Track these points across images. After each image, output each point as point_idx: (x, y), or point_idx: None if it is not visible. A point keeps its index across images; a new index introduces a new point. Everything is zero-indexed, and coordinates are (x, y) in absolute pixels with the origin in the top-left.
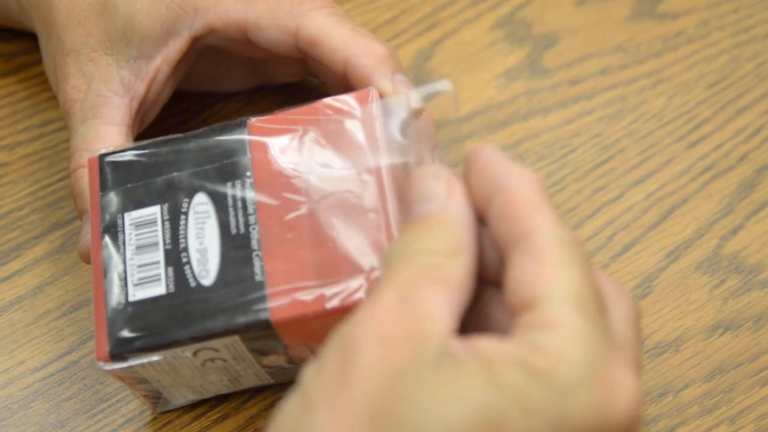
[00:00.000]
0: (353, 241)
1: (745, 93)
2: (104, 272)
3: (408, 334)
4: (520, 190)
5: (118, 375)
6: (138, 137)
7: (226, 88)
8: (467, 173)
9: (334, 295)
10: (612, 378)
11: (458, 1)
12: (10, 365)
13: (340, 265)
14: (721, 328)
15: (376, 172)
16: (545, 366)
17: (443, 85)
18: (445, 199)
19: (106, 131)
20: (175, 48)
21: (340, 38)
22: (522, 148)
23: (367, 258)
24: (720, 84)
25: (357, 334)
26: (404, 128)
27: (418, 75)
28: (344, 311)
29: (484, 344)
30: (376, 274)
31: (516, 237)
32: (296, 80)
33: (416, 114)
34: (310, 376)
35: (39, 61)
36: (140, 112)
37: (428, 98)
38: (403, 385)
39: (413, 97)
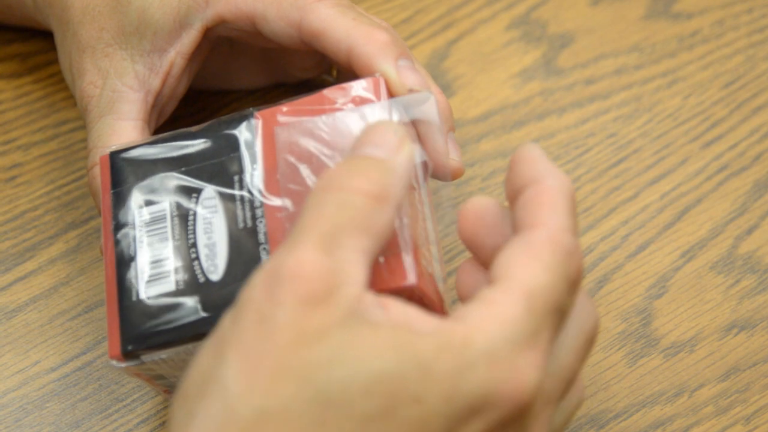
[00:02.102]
0: None
1: (760, 93)
2: (116, 270)
3: (325, 292)
4: (552, 189)
5: (134, 372)
6: (155, 133)
7: (241, 85)
8: (513, 160)
9: None
10: (516, 366)
11: (473, 0)
12: (25, 365)
13: None
14: (736, 328)
15: None
16: (460, 334)
17: (424, 96)
18: (393, 150)
19: (122, 127)
20: (188, 40)
21: (341, 28)
22: None
23: None
24: (735, 84)
25: (279, 288)
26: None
27: (434, 75)
28: None
29: (398, 310)
30: (393, 261)
31: (525, 226)
32: (312, 77)
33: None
34: (227, 323)
35: (54, 61)
36: (156, 107)
37: (410, 107)
38: (314, 344)
39: (394, 107)
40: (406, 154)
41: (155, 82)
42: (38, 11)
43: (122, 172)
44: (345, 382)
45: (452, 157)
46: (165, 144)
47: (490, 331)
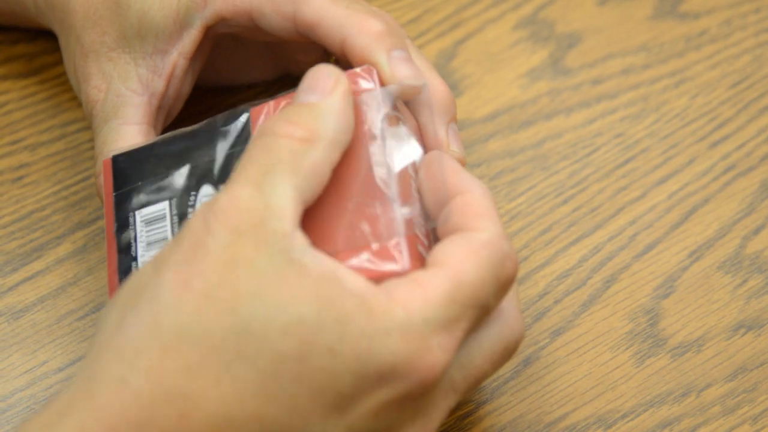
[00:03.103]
0: (356, 224)
1: (767, 92)
2: (117, 271)
3: (256, 227)
4: (484, 199)
5: None
6: (162, 134)
7: (248, 79)
8: (428, 165)
9: (354, 266)
10: (428, 345)
11: (481, 0)
12: (32, 365)
13: (354, 238)
14: (744, 328)
15: (378, 152)
16: (383, 302)
17: (416, 86)
18: (326, 92)
19: (127, 131)
20: (189, 40)
21: (335, 18)
22: (545, 147)
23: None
24: (742, 83)
25: (214, 219)
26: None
27: (441, 75)
28: None
29: (329, 259)
30: (375, 247)
31: (465, 228)
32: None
33: (392, 120)
34: (168, 247)
35: (60, 62)
36: (162, 109)
37: (403, 94)
38: (243, 276)
39: (387, 96)
40: (339, 94)
41: (159, 85)
42: (41, 15)
43: (123, 174)
44: (266, 319)
45: (453, 148)
46: (163, 145)
47: (411, 308)
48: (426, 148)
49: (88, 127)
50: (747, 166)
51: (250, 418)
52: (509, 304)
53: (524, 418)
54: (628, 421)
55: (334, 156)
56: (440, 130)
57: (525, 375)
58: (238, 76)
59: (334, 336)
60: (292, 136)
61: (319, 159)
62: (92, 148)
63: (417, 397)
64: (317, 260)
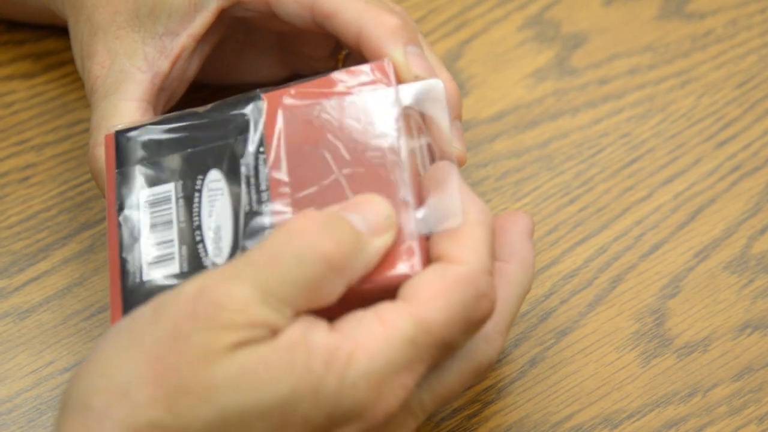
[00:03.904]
0: None
1: None
2: (119, 251)
3: (245, 328)
4: (476, 225)
5: None
6: None
7: (256, 76)
8: (431, 178)
9: None
10: (391, 387)
11: (486, 0)
12: (38, 365)
13: None
14: (750, 328)
15: (393, 151)
16: (346, 350)
17: (432, 83)
18: (376, 231)
19: (126, 106)
20: (201, 22)
21: (353, 9)
22: (550, 147)
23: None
24: (748, 83)
25: (202, 309)
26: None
27: None
28: (375, 286)
29: (295, 324)
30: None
31: (445, 257)
32: (326, 67)
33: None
34: (146, 321)
35: (67, 62)
36: (164, 91)
37: (419, 95)
38: (217, 363)
39: (403, 95)
40: (384, 242)
41: (164, 65)
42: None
43: (127, 151)
44: (243, 407)
45: (456, 145)
46: (171, 124)
47: (372, 352)
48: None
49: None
50: (753, 166)
51: None
52: (489, 324)
53: (530, 418)
54: (634, 422)
55: (341, 289)
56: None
57: (531, 375)
58: (246, 74)
59: (309, 405)
60: (327, 259)
61: (333, 291)
62: None
63: (380, 427)
64: (285, 333)
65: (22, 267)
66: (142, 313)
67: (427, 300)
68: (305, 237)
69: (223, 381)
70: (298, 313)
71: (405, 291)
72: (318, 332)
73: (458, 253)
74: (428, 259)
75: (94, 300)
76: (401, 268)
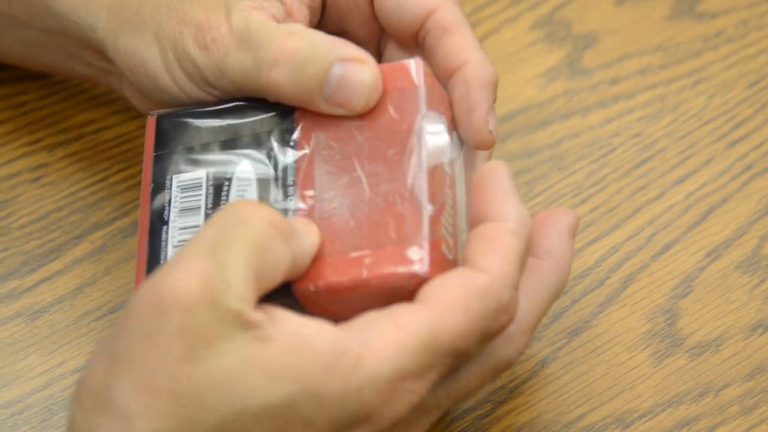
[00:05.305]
0: (382, 221)
1: None
2: (149, 232)
3: (208, 301)
4: (510, 235)
5: None
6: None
7: None
8: (481, 179)
9: (371, 265)
10: (400, 392)
11: (498, 0)
12: (50, 366)
13: (379, 237)
14: (762, 328)
15: (415, 152)
16: (353, 354)
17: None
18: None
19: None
20: None
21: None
22: (562, 147)
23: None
24: (760, 83)
25: (165, 297)
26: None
27: None
28: (381, 282)
29: (291, 325)
30: (398, 248)
31: (472, 263)
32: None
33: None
34: (117, 332)
35: None
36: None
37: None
38: (205, 362)
39: (451, 143)
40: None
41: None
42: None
43: (167, 135)
44: (239, 410)
45: (490, 128)
46: (212, 112)
47: (382, 356)
48: (459, 133)
49: (106, 128)
50: (764, 165)
51: None
52: (512, 324)
53: (542, 418)
54: (645, 421)
55: (290, 259)
56: (479, 106)
57: (542, 375)
58: None
59: (310, 407)
60: (270, 222)
61: (283, 253)
62: (110, 148)
63: (390, 428)
64: (277, 328)
65: (33, 267)
66: (115, 325)
67: (446, 307)
68: (247, 206)
69: (214, 382)
70: (258, 275)
71: (424, 293)
72: (315, 331)
73: (487, 262)
74: (440, 260)
75: (106, 300)
76: (410, 266)
